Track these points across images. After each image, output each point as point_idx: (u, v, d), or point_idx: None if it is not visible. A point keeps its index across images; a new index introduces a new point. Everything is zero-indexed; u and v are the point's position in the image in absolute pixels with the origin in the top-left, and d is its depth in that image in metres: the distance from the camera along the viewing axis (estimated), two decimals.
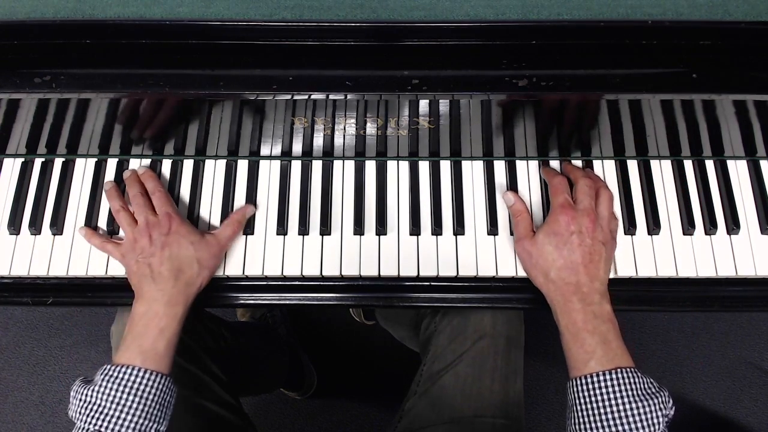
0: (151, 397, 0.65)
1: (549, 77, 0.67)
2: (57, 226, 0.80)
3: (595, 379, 0.64)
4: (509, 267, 0.78)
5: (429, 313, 0.98)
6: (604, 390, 0.64)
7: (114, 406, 0.63)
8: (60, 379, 1.53)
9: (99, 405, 0.64)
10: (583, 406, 0.64)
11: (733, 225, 0.79)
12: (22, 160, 0.83)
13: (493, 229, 0.79)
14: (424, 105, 0.72)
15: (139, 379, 0.65)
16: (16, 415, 1.51)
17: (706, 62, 0.67)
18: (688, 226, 0.79)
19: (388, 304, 0.79)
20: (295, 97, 0.69)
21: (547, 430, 1.49)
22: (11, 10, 0.66)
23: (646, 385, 0.65)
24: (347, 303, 0.79)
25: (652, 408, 0.63)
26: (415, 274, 0.77)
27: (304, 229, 0.79)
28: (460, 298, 0.79)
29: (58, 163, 0.83)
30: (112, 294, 0.79)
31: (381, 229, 0.79)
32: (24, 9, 0.66)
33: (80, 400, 0.65)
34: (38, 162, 0.83)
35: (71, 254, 0.79)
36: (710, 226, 0.79)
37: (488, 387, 0.86)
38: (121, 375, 0.65)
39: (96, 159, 0.83)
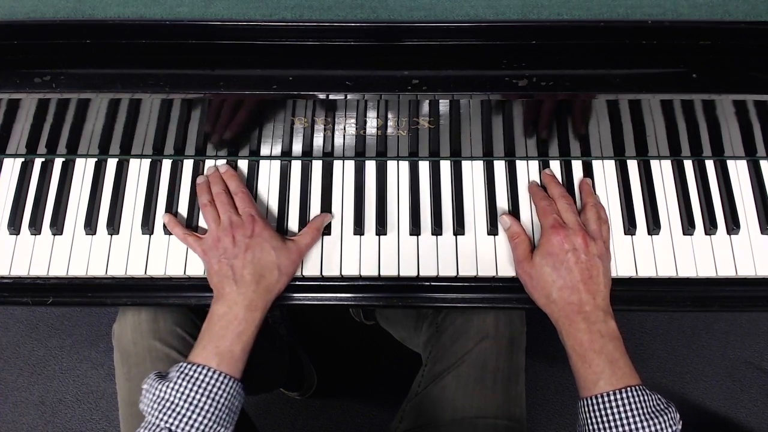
0: (222, 400, 0.65)
1: (549, 77, 0.67)
2: (57, 226, 0.80)
3: (606, 398, 0.65)
4: (509, 267, 0.78)
5: (430, 313, 0.98)
6: (615, 410, 0.64)
7: (187, 405, 0.63)
8: (60, 379, 1.53)
9: (172, 402, 0.64)
10: (596, 426, 0.65)
11: (733, 225, 0.79)
12: (22, 160, 0.83)
13: (493, 229, 0.79)
14: (424, 105, 0.72)
15: (213, 381, 0.65)
16: (16, 415, 1.51)
17: (706, 62, 0.67)
18: (688, 226, 0.79)
19: (388, 304, 0.79)
20: (295, 98, 0.69)
21: (547, 430, 1.49)
22: (11, 10, 0.66)
23: (654, 402, 0.65)
24: (347, 303, 0.79)
25: (663, 426, 0.63)
26: (415, 274, 0.77)
27: None
28: (460, 298, 0.79)
29: (58, 163, 0.83)
30: (112, 294, 0.79)
31: (381, 229, 0.79)
32: (24, 9, 0.66)
33: (154, 394, 0.65)
34: (38, 162, 0.83)
35: (71, 254, 0.79)
36: (710, 226, 0.79)
37: (490, 388, 0.86)
38: (196, 374, 0.65)
39: (96, 159, 0.83)
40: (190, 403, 0.63)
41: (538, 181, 0.82)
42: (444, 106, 0.71)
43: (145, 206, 0.81)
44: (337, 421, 1.49)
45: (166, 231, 0.79)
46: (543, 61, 0.68)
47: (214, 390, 0.65)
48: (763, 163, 0.83)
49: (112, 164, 0.83)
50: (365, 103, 0.71)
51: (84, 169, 0.83)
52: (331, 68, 0.68)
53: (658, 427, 0.63)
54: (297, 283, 0.79)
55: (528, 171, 0.82)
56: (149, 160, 0.83)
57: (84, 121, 0.75)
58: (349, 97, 0.69)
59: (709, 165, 0.83)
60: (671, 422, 0.64)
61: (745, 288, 0.79)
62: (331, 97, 0.69)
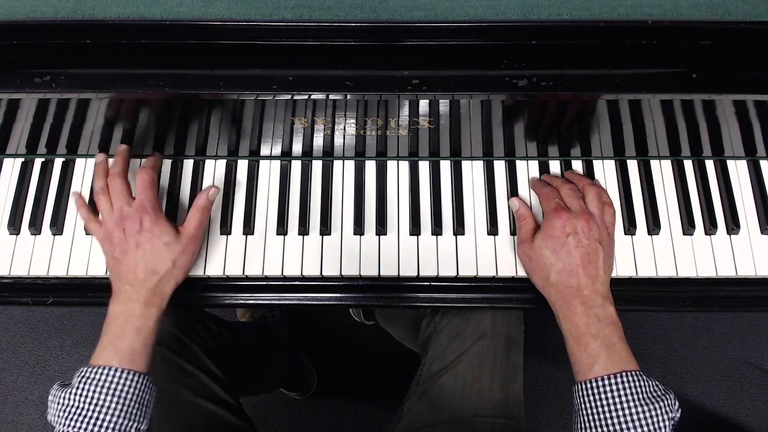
0: (129, 396, 0.65)
1: (549, 77, 0.67)
2: (57, 226, 0.80)
3: (600, 383, 0.64)
4: (509, 267, 0.78)
5: (429, 312, 0.98)
6: (609, 394, 0.63)
7: (92, 407, 0.63)
8: (60, 379, 1.53)
9: (76, 407, 0.63)
10: (589, 411, 0.64)
11: (733, 225, 0.79)
12: (22, 160, 0.83)
13: (493, 229, 0.79)
14: (424, 105, 0.72)
15: (116, 380, 0.65)
16: (16, 415, 1.51)
17: (706, 62, 0.67)
18: (688, 226, 0.79)
19: (388, 304, 0.79)
20: (295, 97, 0.69)
21: (547, 430, 1.49)
22: (11, 10, 0.66)
23: (651, 389, 0.64)
24: (347, 303, 0.79)
25: (659, 411, 0.62)
26: (415, 274, 0.77)
27: (304, 229, 0.79)
28: (460, 298, 0.79)
29: (58, 163, 0.83)
30: None
31: (381, 229, 0.79)
32: (24, 9, 0.66)
33: (58, 403, 0.64)
34: (38, 162, 0.83)
35: (71, 254, 0.79)
36: (710, 226, 0.79)
37: (488, 387, 0.86)
38: (97, 376, 0.65)
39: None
40: (95, 404, 0.63)
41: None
42: (444, 106, 0.71)
43: None
44: (337, 421, 1.49)
45: None
46: (543, 61, 0.67)
47: (119, 387, 0.64)
48: (763, 163, 0.83)
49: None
50: (365, 103, 0.71)
51: (84, 169, 0.83)
52: (331, 68, 0.68)
53: (655, 412, 0.62)
54: (297, 283, 0.79)
55: (528, 171, 0.82)
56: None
57: (84, 121, 0.75)
58: (349, 97, 0.69)
59: (709, 165, 0.83)
60: (668, 408, 0.63)
61: (745, 288, 0.79)
62: (331, 97, 0.69)
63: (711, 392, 1.52)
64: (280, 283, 0.79)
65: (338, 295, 0.79)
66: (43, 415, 1.50)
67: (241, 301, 0.79)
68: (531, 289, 0.77)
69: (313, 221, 0.80)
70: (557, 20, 0.65)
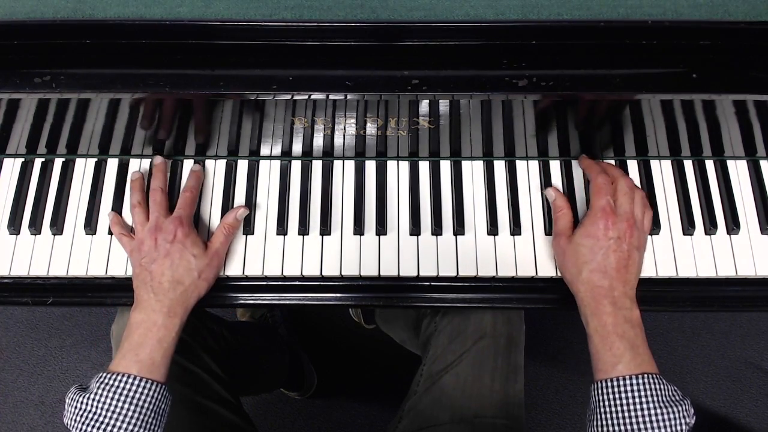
0: (146, 405, 0.65)
1: (549, 77, 0.67)
2: (57, 226, 0.80)
3: (621, 382, 0.64)
4: (509, 267, 0.78)
5: (429, 313, 0.98)
6: (629, 394, 0.64)
7: (109, 414, 0.63)
8: (60, 379, 1.53)
9: (94, 413, 0.64)
10: (607, 409, 0.64)
11: (733, 225, 0.79)
12: (22, 160, 0.83)
13: (493, 229, 0.79)
14: (424, 105, 0.72)
15: (134, 388, 0.65)
16: (16, 415, 1.51)
17: (706, 62, 0.67)
18: (688, 226, 0.79)
19: (388, 304, 0.79)
20: (295, 97, 0.69)
21: (547, 430, 1.49)
22: (11, 10, 0.66)
23: (670, 393, 0.65)
24: (347, 303, 0.79)
25: (676, 415, 0.63)
26: (415, 274, 0.77)
27: (304, 229, 0.79)
28: (460, 298, 0.79)
29: (58, 163, 0.83)
30: (112, 294, 0.79)
31: (381, 229, 0.79)
32: (24, 9, 0.66)
33: (75, 407, 0.65)
34: (38, 162, 0.83)
35: (71, 254, 0.79)
36: (710, 226, 0.79)
37: (488, 387, 0.86)
38: (116, 383, 0.65)
39: (96, 159, 0.83)
40: (113, 412, 0.63)
41: (538, 182, 0.81)
42: (444, 106, 0.71)
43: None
44: (337, 421, 1.49)
45: None
46: (543, 61, 0.67)
47: (137, 396, 0.65)
48: (763, 163, 0.83)
49: (112, 164, 0.83)
50: (365, 103, 0.71)
51: (84, 169, 0.83)
52: (331, 68, 0.68)
53: (674, 415, 0.62)
54: (296, 283, 0.79)
55: (528, 171, 0.82)
56: (149, 160, 0.83)
57: (84, 121, 0.75)
58: (349, 97, 0.69)
59: (709, 165, 0.83)
60: (685, 414, 0.63)
61: (745, 288, 0.79)
62: (331, 97, 0.69)
63: (711, 392, 1.52)
64: (280, 283, 0.79)
65: (338, 295, 0.79)
66: (43, 414, 1.50)
67: (241, 301, 0.79)
68: (531, 290, 0.77)
69: (313, 221, 0.80)
70: (557, 20, 0.65)
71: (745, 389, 1.53)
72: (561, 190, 0.81)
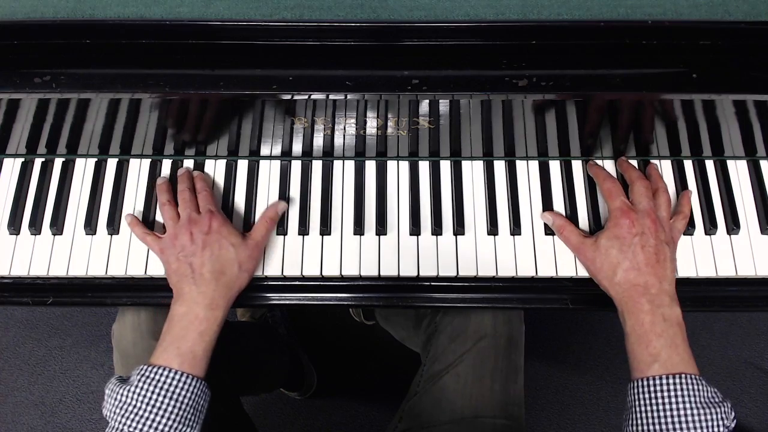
0: (186, 401, 0.65)
1: (549, 77, 0.67)
2: (57, 226, 0.80)
3: (657, 381, 0.63)
4: (509, 267, 0.78)
5: (429, 312, 0.98)
6: (666, 394, 0.62)
7: (149, 408, 0.63)
8: (60, 379, 1.53)
9: (134, 406, 0.63)
10: (644, 408, 0.63)
11: (733, 225, 0.79)
12: (22, 160, 0.83)
13: (493, 229, 0.79)
14: (424, 105, 0.72)
15: (175, 382, 0.65)
16: (16, 415, 1.51)
17: (706, 62, 0.67)
18: (688, 226, 0.79)
19: (388, 304, 0.79)
20: (295, 97, 0.69)
21: (547, 430, 1.49)
22: (11, 10, 0.66)
23: (710, 394, 0.64)
24: (347, 303, 0.79)
25: (715, 417, 0.62)
26: (415, 274, 0.77)
27: (304, 229, 0.79)
28: (460, 298, 0.79)
29: (58, 163, 0.83)
30: (112, 294, 0.79)
31: (381, 229, 0.79)
32: (24, 9, 0.66)
33: (115, 399, 0.64)
34: (38, 162, 0.83)
35: (71, 254, 0.79)
36: (710, 226, 0.79)
37: (489, 387, 0.86)
38: (157, 377, 0.65)
39: (96, 159, 0.83)
40: (153, 406, 0.63)
41: (538, 181, 0.81)
42: (444, 106, 0.71)
43: (145, 206, 0.81)
44: (337, 421, 1.49)
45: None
46: (543, 61, 0.68)
47: (177, 391, 0.64)
48: (763, 163, 0.83)
49: (112, 164, 0.83)
50: (365, 103, 0.71)
51: (84, 169, 0.83)
52: (331, 68, 0.68)
53: (711, 417, 0.61)
54: (296, 283, 0.79)
55: (528, 171, 0.82)
56: (149, 160, 0.83)
57: (84, 121, 0.75)
58: (349, 97, 0.69)
59: (709, 165, 0.83)
60: (724, 416, 0.62)
61: (745, 288, 0.79)
62: (331, 97, 0.69)
63: None
64: (280, 283, 0.79)
65: (338, 295, 0.79)
66: (43, 414, 1.50)
67: (242, 302, 0.79)
68: (531, 290, 0.77)
69: (312, 221, 0.80)
70: (557, 20, 0.65)
71: (745, 389, 1.52)
72: (561, 190, 0.81)
